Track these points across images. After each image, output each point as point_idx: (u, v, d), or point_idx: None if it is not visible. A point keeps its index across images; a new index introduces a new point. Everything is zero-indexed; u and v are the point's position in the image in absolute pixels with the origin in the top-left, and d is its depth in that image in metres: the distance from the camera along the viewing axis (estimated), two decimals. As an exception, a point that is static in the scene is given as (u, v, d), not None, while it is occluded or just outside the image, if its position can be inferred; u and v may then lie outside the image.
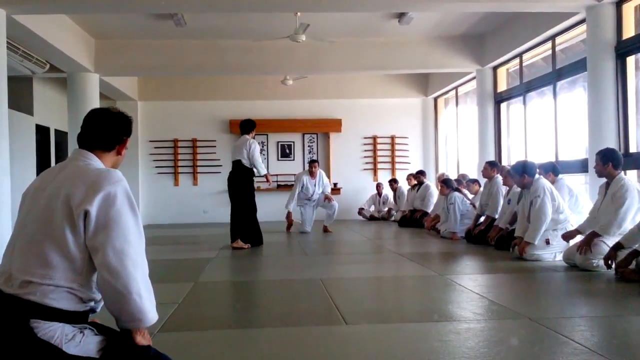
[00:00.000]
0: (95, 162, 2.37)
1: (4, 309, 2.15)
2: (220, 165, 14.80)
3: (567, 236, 6.42)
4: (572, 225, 6.77)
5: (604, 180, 6.16)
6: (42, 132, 12.57)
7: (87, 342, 2.17)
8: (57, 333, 2.12)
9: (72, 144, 10.86)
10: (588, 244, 5.89)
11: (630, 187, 5.86)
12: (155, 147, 14.99)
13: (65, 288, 2.15)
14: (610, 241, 5.79)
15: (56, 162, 12.78)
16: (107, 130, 2.43)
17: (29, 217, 2.25)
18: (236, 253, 8.05)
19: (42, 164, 12.18)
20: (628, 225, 5.77)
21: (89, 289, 2.22)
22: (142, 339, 2.26)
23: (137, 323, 2.23)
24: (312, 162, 11.24)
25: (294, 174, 14.89)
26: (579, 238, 6.30)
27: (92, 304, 2.26)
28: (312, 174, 11.10)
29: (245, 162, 8.60)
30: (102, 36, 11.22)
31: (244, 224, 8.58)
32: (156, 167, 15.00)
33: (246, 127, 8.86)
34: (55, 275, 2.14)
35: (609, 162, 5.98)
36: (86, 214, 2.15)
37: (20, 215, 2.31)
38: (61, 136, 13.06)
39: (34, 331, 2.10)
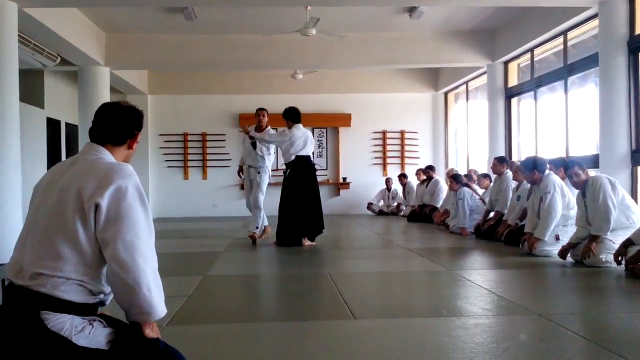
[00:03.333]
0: (107, 156, 2.37)
1: (15, 301, 2.17)
2: (230, 160, 14.83)
3: (563, 251, 6.34)
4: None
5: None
6: (52, 125, 12.64)
7: (96, 334, 2.18)
8: (66, 325, 2.13)
9: (83, 137, 10.91)
10: (590, 248, 5.88)
11: (601, 179, 5.97)
12: (165, 141, 15.05)
13: (75, 281, 2.16)
14: (613, 236, 5.81)
15: (67, 156, 12.85)
16: (118, 124, 2.43)
17: (40, 210, 2.26)
18: (245, 247, 8.05)
19: (53, 157, 12.24)
20: (617, 216, 5.87)
21: (98, 282, 2.23)
22: (151, 332, 2.26)
23: (146, 316, 2.23)
24: (258, 111, 8.59)
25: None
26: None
27: (101, 296, 2.27)
28: (258, 127, 8.45)
29: (310, 156, 8.10)
30: (113, 30, 11.25)
31: (314, 221, 8.04)
32: (166, 160, 15.06)
33: (299, 115, 8.12)
34: (65, 267, 2.15)
35: (586, 169, 6.17)
36: (97, 207, 2.16)
37: (32, 209, 2.32)
38: (72, 129, 13.12)
39: (44, 322, 2.11)
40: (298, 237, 8.01)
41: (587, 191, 6.04)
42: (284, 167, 8.40)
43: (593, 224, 5.96)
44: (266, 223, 8.60)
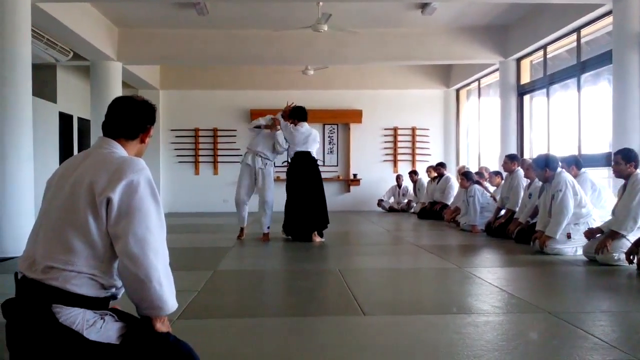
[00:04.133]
0: (120, 150, 2.38)
1: (27, 294, 2.18)
2: (240, 155, 14.82)
3: (589, 233, 6.33)
4: (594, 220, 6.70)
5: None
6: (65, 120, 12.71)
7: (107, 328, 2.19)
8: (78, 319, 2.14)
9: (95, 132, 10.97)
10: (605, 243, 5.84)
11: None
12: (176, 136, 15.09)
13: (87, 274, 2.17)
14: (631, 236, 5.74)
15: (79, 150, 12.92)
16: (131, 118, 2.43)
17: (53, 203, 2.27)
18: (254, 242, 8.06)
19: (65, 151, 12.32)
20: None
21: (110, 276, 2.24)
22: (162, 326, 2.27)
23: (157, 311, 2.24)
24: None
25: (314, 165, 14.96)
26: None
27: (113, 290, 2.29)
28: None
29: (314, 153, 8.30)
30: (125, 25, 11.29)
31: (321, 217, 8.20)
32: (177, 155, 15.11)
33: (304, 114, 8.33)
34: (77, 261, 2.16)
35: (632, 162, 5.98)
36: (109, 201, 2.17)
37: (45, 202, 2.33)
38: (84, 124, 13.19)
39: (56, 316, 2.12)
40: (308, 231, 8.10)
41: (628, 185, 5.97)
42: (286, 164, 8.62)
43: (617, 219, 5.88)
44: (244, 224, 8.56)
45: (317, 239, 8.08)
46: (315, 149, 8.38)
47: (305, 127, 8.29)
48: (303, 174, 8.23)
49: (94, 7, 10.10)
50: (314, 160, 8.36)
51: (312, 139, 8.29)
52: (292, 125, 8.29)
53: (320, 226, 8.21)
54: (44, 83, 11.74)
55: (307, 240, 8.02)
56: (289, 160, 8.41)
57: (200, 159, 15.19)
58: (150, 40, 11.59)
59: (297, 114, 8.33)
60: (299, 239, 8.10)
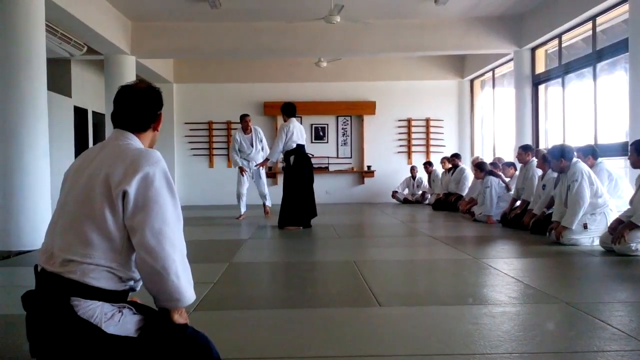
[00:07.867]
0: (135, 141, 2.38)
1: (45, 287, 2.19)
2: (255, 147, 14.85)
3: (612, 229, 6.21)
4: (610, 210, 6.65)
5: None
6: (80, 114, 12.79)
7: (125, 321, 2.20)
8: (96, 312, 2.15)
9: (110, 126, 10.92)
10: (623, 234, 5.78)
11: None
12: (190, 129, 15.14)
13: (105, 267, 2.18)
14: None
15: (94, 144, 12.99)
16: (139, 111, 2.42)
17: (69, 196, 2.27)
18: (269, 235, 8.08)
19: (80, 145, 12.40)
20: None
21: (128, 269, 2.25)
22: (180, 318, 2.28)
23: (174, 303, 2.25)
24: (241, 117, 10.62)
25: (328, 157, 14.97)
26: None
27: (131, 283, 2.29)
28: (244, 129, 10.50)
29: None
30: (139, 18, 11.32)
31: (312, 205, 8.88)
32: (191, 149, 15.15)
33: (293, 110, 8.98)
34: (95, 254, 2.17)
35: None
36: (125, 194, 2.17)
37: (62, 195, 2.34)
38: (99, 118, 13.27)
39: (75, 309, 2.13)
40: (300, 220, 8.66)
41: None
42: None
43: (637, 212, 5.83)
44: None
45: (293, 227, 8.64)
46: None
47: (295, 121, 8.89)
48: (306, 165, 8.82)
49: (107, 1, 10.14)
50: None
51: (303, 132, 9.02)
52: (284, 123, 8.89)
53: (311, 216, 8.87)
54: (58, 77, 11.81)
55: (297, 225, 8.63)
56: (286, 152, 8.82)
57: (215, 152, 15.23)
58: (163, 34, 11.62)
59: (287, 111, 8.94)
60: (288, 225, 8.64)
